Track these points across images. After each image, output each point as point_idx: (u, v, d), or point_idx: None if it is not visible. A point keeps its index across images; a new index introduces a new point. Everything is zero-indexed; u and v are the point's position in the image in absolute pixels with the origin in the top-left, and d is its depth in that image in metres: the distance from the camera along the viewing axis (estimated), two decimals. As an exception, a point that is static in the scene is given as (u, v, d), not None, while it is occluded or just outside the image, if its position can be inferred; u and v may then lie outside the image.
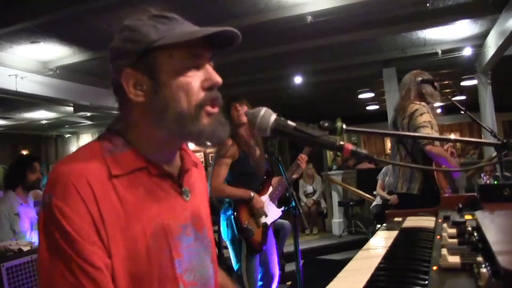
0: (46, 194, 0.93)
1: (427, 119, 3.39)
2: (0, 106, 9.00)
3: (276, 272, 3.57)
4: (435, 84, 3.43)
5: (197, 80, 1.01)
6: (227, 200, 3.35)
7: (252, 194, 3.27)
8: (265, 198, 3.40)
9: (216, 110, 1.04)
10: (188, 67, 1.00)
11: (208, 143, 1.07)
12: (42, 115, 10.64)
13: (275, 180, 3.55)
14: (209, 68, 1.04)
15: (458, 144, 10.43)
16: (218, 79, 1.03)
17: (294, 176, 3.53)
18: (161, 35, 0.99)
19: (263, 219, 3.36)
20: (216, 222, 3.81)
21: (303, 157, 3.43)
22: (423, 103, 3.49)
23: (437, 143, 3.44)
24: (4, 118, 10.80)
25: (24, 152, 13.18)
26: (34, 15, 5.03)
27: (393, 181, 4.10)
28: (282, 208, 3.53)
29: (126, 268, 0.94)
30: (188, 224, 1.08)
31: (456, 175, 3.95)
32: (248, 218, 3.29)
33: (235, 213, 3.25)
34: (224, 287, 1.35)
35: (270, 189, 3.48)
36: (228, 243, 3.35)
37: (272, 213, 3.44)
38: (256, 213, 3.29)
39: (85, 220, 0.90)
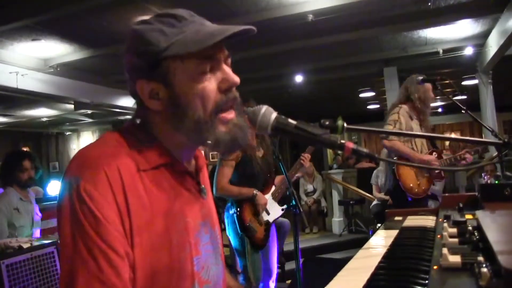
0: (71, 176, 0.90)
1: (394, 118, 3.74)
2: (0, 103, 9.00)
3: (275, 269, 3.63)
4: (436, 83, 3.49)
5: (213, 83, 0.98)
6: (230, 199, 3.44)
7: (255, 191, 3.36)
8: (267, 196, 3.49)
9: (232, 116, 1.01)
10: (203, 71, 0.97)
11: (228, 151, 1.06)
12: (42, 112, 10.64)
13: (278, 179, 3.63)
14: (225, 68, 1.01)
15: (460, 144, 10.40)
16: (236, 79, 1.01)
17: (298, 174, 3.64)
18: (170, 41, 0.95)
19: (265, 217, 3.45)
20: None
21: (306, 156, 3.50)
22: (404, 106, 3.80)
23: (394, 137, 3.68)
24: (4, 116, 10.80)
25: (24, 149, 13.19)
26: (35, 12, 5.02)
27: (385, 181, 4.23)
28: (284, 207, 3.60)
29: (147, 261, 0.92)
30: (206, 222, 1.09)
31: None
32: (251, 216, 3.38)
33: (238, 212, 3.34)
34: (228, 285, 1.35)
35: (273, 188, 3.57)
36: (232, 240, 3.44)
37: (274, 211, 3.53)
38: (259, 209, 3.38)
39: (112, 208, 0.89)
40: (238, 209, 3.36)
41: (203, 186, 1.11)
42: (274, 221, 3.58)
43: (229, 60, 1.03)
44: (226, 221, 3.48)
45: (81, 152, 0.95)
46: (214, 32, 0.95)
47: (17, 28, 5.51)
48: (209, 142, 0.99)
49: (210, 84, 0.97)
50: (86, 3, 4.76)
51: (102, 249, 0.86)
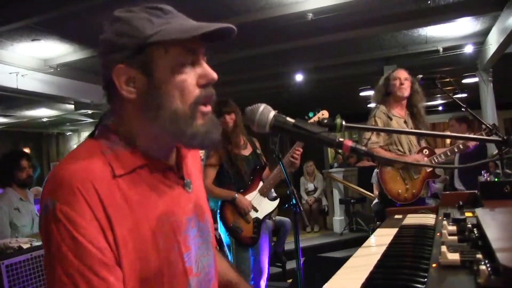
0: (47, 198, 0.89)
1: (370, 123, 3.59)
2: (1, 103, 9.00)
3: (266, 268, 3.60)
4: (437, 82, 3.40)
5: (192, 77, 0.98)
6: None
7: (235, 195, 3.41)
8: (253, 194, 3.49)
9: (209, 109, 1.01)
10: (184, 63, 0.97)
11: (201, 146, 1.05)
12: (43, 112, 10.64)
13: (266, 173, 3.61)
14: (204, 64, 1.01)
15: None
16: (214, 75, 1.01)
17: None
18: (156, 29, 0.94)
19: (254, 214, 3.46)
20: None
21: (299, 150, 3.38)
22: (381, 106, 3.64)
23: (375, 144, 3.48)
24: (5, 116, 10.80)
25: (26, 151, 13.20)
26: (35, 12, 5.02)
27: None
28: (276, 200, 3.60)
29: (137, 268, 0.92)
30: (193, 216, 1.08)
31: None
32: (235, 216, 3.43)
33: (221, 214, 3.43)
34: (226, 276, 1.34)
35: (260, 184, 3.54)
36: (223, 236, 3.49)
37: (263, 207, 3.51)
38: (241, 212, 3.41)
39: (93, 227, 0.87)
40: (220, 211, 3.45)
41: (187, 179, 1.09)
42: (266, 216, 3.55)
43: (205, 58, 1.03)
44: (218, 220, 3.53)
45: (54, 172, 0.93)
46: (199, 25, 0.95)
47: (17, 29, 5.51)
48: (186, 134, 0.98)
49: (190, 77, 0.98)
50: (86, 3, 4.75)
51: (83, 273, 0.85)
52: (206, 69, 1.00)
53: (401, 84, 3.57)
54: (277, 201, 3.60)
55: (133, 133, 1.00)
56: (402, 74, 3.62)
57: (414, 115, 3.67)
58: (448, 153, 3.41)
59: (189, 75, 0.98)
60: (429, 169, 3.50)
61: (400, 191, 3.45)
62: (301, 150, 3.40)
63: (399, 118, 3.61)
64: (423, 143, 3.68)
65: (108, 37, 0.98)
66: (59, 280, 0.84)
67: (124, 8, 1.01)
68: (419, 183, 3.48)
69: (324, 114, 3.24)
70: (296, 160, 3.32)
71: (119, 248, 0.89)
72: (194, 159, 1.22)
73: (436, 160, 3.43)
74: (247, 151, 3.59)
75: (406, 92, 3.59)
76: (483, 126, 3.09)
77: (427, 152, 3.54)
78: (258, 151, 3.70)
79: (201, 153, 3.42)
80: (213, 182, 3.50)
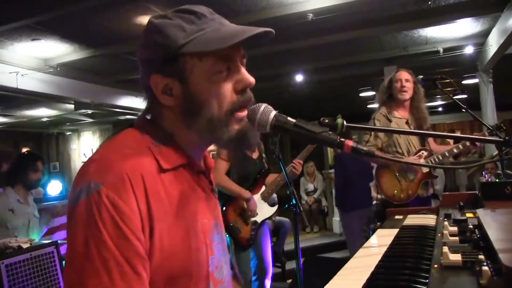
0: (91, 180, 0.85)
1: (370, 125, 3.45)
2: (1, 103, 9.00)
3: (270, 267, 3.64)
4: (437, 82, 3.37)
5: (229, 83, 0.97)
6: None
7: (251, 196, 3.42)
8: (256, 197, 3.51)
9: (245, 113, 1.00)
10: (220, 70, 0.95)
11: (238, 149, 1.04)
12: (43, 112, 10.63)
13: (270, 178, 3.62)
14: (241, 68, 0.99)
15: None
16: (252, 80, 1.00)
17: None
18: (189, 38, 0.93)
19: (253, 218, 3.49)
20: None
21: (298, 163, 3.51)
22: (382, 108, 3.61)
23: (372, 146, 3.46)
24: (5, 116, 10.80)
25: (25, 149, 13.19)
26: (35, 12, 5.02)
27: None
28: (275, 208, 3.64)
29: (167, 265, 0.89)
30: (218, 223, 1.08)
31: None
32: (235, 217, 3.43)
33: (223, 213, 3.35)
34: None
35: (263, 188, 3.58)
36: None
37: (263, 211, 3.54)
38: (248, 213, 3.42)
39: (136, 216, 0.85)
40: (223, 208, 3.39)
41: (215, 185, 1.11)
42: (264, 221, 3.60)
43: (245, 60, 1.01)
44: None
45: (102, 155, 0.91)
46: (234, 32, 0.94)
47: (17, 28, 5.50)
48: (222, 140, 0.98)
49: (226, 84, 0.96)
50: (86, 3, 4.74)
51: (119, 262, 0.81)
52: (243, 74, 0.99)
53: (402, 86, 3.54)
54: (276, 207, 3.65)
55: (174, 134, 1.00)
56: (404, 75, 3.59)
57: (415, 115, 3.63)
58: (447, 154, 3.38)
59: (226, 82, 0.96)
60: (425, 170, 3.47)
61: (395, 191, 3.46)
62: (302, 162, 3.52)
63: (400, 119, 3.58)
64: (429, 143, 3.62)
65: (142, 45, 0.98)
66: (92, 263, 0.81)
67: (159, 14, 0.99)
68: (415, 184, 3.47)
69: None
70: (296, 171, 3.49)
71: (153, 242, 0.87)
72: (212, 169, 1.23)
73: (433, 161, 3.41)
74: (255, 154, 3.59)
75: (407, 95, 3.55)
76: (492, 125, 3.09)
77: (425, 154, 3.51)
78: (263, 155, 3.70)
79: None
80: None
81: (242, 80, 0.98)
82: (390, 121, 3.55)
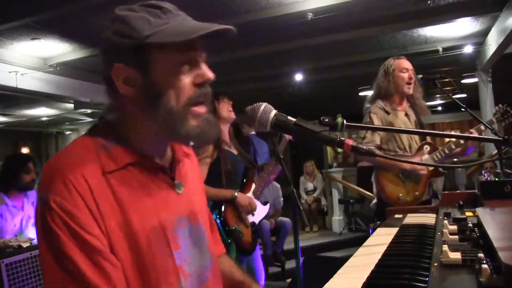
0: (42, 191, 0.93)
1: (365, 121, 3.24)
2: (0, 102, 9.00)
3: (262, 272, 3.41)
4: (436, 82, 3.28)
5: (188, 77, 1.00)
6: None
7: (235, 193, 3.10)
8: (249, 196, 3.24)
9: (203, 110, 1.03)
10: (181, 63, 0.99)
11: (194, 143, 1.10)
12: (42, 111, 10.63)
13: (256, 176, 3.39)
14: (201, 63, 1.03)
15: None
16: (210, 74, 1.03)
17: (272, 177, 3.38)
18: (154, 30, 0.96)
19: (251, 218, 3.22)
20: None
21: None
22: (378, 101, 3.30)
23: (370, 143, 3.14)
24: (4, 115, 10.80)
25: (25, 150, 13.18)
26: (35, 11, 5.02)
27: None
28: (268, 205, 3.43)
29: (131, 260, 0.95)
30: (183, 217, 1.10)
31: None
32: (235, 219, 3.13)
33: (222, 217, 3.07)
34: (232, 275, 1.34)
35: (253, 186, 3.31)
36: None
37: (259, 211, 3.28)
38: (243, 210, 3.12)
39: (86, 216, 0.91)
40: (221, 212, 3.07)
41: (178, 181, 1.11)
42: (260, 221, 3.34)
43: (204, 57, 1.05)
44: None
45: (47, 165, 0.98)
46: (197, 26, 0.98)
47: (16, 27, 5.51)
48: (180, 134, 1.02)
49: (186, 77, 1.00)
50: (86, 2, 4.75)
51: (82, 259, 0.89)
52: (203, 69, 1.03)
53: (411, 78, 3.22)
54: (268, 205, 3.42)
55: (130, 130, 1.04)
56: (408, 64, 3.27)
57: (414, 106, 3.36)
58: (453, 146, 3.06)
59: (185, 75, 1.00)
60: (431, 167, 3.15)
61: (400, 194, 3.10)
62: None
63: (398, 111, 3.28)
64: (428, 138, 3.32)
65: (108, 36, 1.01)
66: (60, 265, 0.89)
67: (125, 6, 1.02)
68: (422, 184, 3.11)
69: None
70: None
71: (110, 238, 0.93)
72: (192, 166, 1.25)
73: (439, 156, 3.10)
74: (234, 150, 3.30)
75: (412, 90, 3.27)
76: (494, 113, 3.03)
77: (428, 149, 3.17)
78: (244, 152, 3.42)
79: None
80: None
81: (201, 75, 1.02)
82: (388, 113, 3.23)
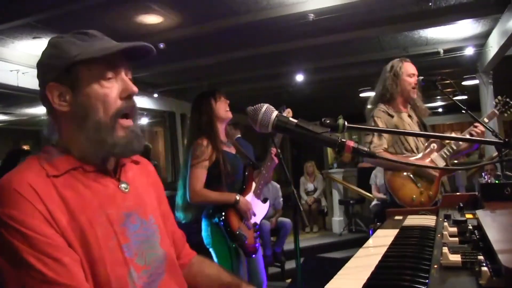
0: None
1: (370, 124, 3.20)
2: (1, 101, 9.00)
3: (264, 275, 3.33)
4: (437, 83, 3.28)
5: (114, 91, 1.12)
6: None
7: (237, 197, 3.00)
8: (250, 196, 3.17)
9: (130, 123, 1.15)
10: (106, 78, 1.11)
11: (122, 155, 1.19)
12: (43, 110, 10.50)
13: (255, 174, 3.32)
14: (125, 79, 1.15)
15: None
16: (134, 89, 1.15)
17: (270, 173, 3.33)
18: (80, 50, 1.09)
19: (252, 219, 3.14)
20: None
21: (273, 151, 3.22)
22: (380, 105, 3.27)
23: (379, 147, 3.10)
24: (5, 114, 10.80)
25: (25, 147, 13.17)
26: (36, 10, 5.02)
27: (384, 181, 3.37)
28: (268, 203, 3.37)
29: (83, 254, 1.02)
30: (132, 213, 1.17)
31: None
32: (239, 223, 3.03)
33: (225, 221, 2.98)
34: (221, 279, 1.37)
35: (253, 185, 3.25)
36: (212, 251, 3.06)
37: (259, 210, 3.23)
38: (244, 216, 3.04)
39: (35, 217, 0.98)
40: (223, 216, 2.97)
41: (123, 181, 1.20)
42: (261, 221, 3.27)
43: (130, 75, 1.18)
44: (204, 228, 3.07)
45: None
46: (119, 44, 1.13)
47: (18, 26, 5.50)
48: (107, 143, 1.11)
49: (112, 91, 1.12)
50: (87, 2, 4.74)
51: (39, 258, 0.95)
52: (127, 83, 1.15)
53: (415, 83, 3.24)
54: (268, 203, 3.36)
55: (68, 142, 1.15)
56: (414, 69, 3.28)
57: (415, 108, 3.37)
58: (460, 142, 3.08)
59: (111, 89, 1.12)
60: (442, 164, 3.09)
61: (414, 196, 3.02)
62: (275, 149, 3.22)
63: (402, 113, 3.27)
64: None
65: (41, 60, 1.18)
66: (19, 270, 0.94)
67: (56, 35, 1.19)
68: (435, 183, 3.05)
69: (289, 112, 3.13)
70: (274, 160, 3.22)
71: (65, 235, 1.01)
72: (143, 171, 1.35)
73: (447, 153, 3.09)
74: (233, 149, 3.23)
75: (416, 94, 3.30)
76: (497, 103, 3.05)
77: (436, 147, 3.14)
78: (243, 151, 3.36)
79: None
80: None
81: (126, 88, 1.14)
82: (391, 116, 3.21)
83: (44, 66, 1.16)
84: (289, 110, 3.14)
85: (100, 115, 1.10)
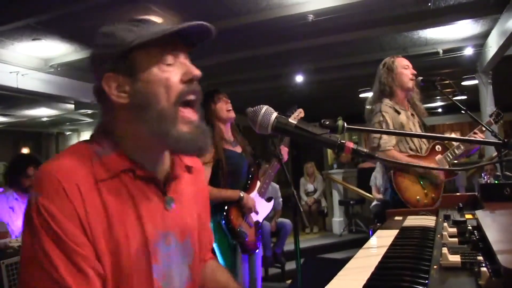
0: (33, 191, 0.95)
1: (378, 119, 3.16)
2: (1, 103, 9.00)
3: (260, 274, 3.35)
4: (436, 83, 3.27)
5: (175, 75, 1.04)
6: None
7: (241, 194, 3.05)
8: (254, 195, 3.20)
9: (194, 117, 1.06)
10: (166, 63, 1.03)
11: (186, 151, 1.09)
12: (43, 112, 10.63)
13: (260, 173, 3.35)
14: (186, 62, 1.07)
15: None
16: (197, 71, 1.06)
17: (275, 172, 3.32)
18: (136, 35, 1.02)
19: (255, 217, 3.18)
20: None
21: (285, 149, 3.25)
22: (386, 99, 3.23)
23: (388, 145, 3.08)
24: (5, 115, 10.80)
25: (25, 150, 13.17)
26: (36, 12, 5.02)
27: (383, 182, 3.38)
28: (272, 201, 3.39)
29: (111, 266, 0.97)
30: (169, 233, 1.09)
31: None
32: (240, 220, 3.07)
33: (226, 219, 3.01)
34: (228, 286, 1.35)
35: (258, 184, 3.27)
36: (215, 247, 3.05)
37: (262, 209, 3.25)
38: (247, 212, 3.09)
39: (72, 220, 0.93)
40: (225, 213, 3.00)
41: (170, 196, 1.11)
42: (264, 219, 3.30)
43: (189, 58, 1.09)
44: None
45: (43, 167, 0.99)
46: (175, 25, 1.03)
47: (17, 28, 5.51)
48: (171, 136, 1.02)
49: (173, 75, 1.04)
50: (87, 3, 4.75)
51: (64, 260, 0.91)
52: (189, 66, 1.06)
53: (412, 74, 3.23)
54: (272, 202, 3.39)
55: (123, 137, 1.06)
56: (407, 61, 3.29)
57: (415, 108, 3.35)
58: (462, 147, 3.10)
59: (171, 73, 1.03)
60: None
61: (418, 197, 3.01)
62: (287, 148, 3.26)
63: (405, 110, 3.25)
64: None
65: (96, 51, 1.08)
66: (40, 264, 0.90)
67: (108, 25, 1.09)
68: (439, 186, 3.07)
69: (301, 112, 3.14)
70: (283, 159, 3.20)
71: (96, 243, 0.95)
72: (194, 180, 1.25)
73: (450, 156, 3.09)
74: (238, 149, 3.24)
75: (412, 83, 3.26)
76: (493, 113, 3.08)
77: (440, 149, 3.13)
78: (249, 148, 3.35)
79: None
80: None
81: (188, 72, 1.05)
82: (398, 113, 3.18)
83: (99, 57, 1.06)
84: (301, 110, 3.17)
85: (163, 103, 1.01)
